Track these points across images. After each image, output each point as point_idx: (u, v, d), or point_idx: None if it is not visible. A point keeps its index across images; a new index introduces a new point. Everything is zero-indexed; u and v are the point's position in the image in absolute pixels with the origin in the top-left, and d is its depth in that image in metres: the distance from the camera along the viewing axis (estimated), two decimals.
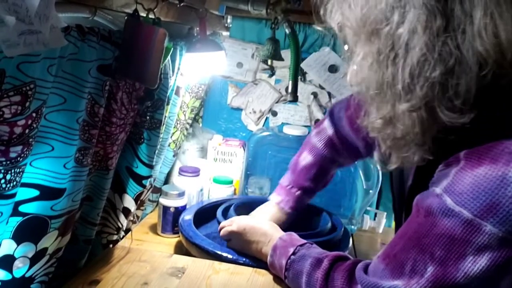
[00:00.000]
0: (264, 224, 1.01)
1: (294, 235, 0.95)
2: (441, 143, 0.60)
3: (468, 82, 0.53)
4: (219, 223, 1.11)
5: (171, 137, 1.27)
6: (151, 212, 1.36)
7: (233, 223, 1.02)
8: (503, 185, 0.54)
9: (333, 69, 1.47)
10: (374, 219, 1.41)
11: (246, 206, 1.21)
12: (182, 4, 0.99)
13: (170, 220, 1.20)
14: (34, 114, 0.65)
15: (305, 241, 0.91)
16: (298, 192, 1.10)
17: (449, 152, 0.60)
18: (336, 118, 1.06)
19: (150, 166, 1.08)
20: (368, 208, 1.41)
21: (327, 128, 1.08)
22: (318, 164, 1.08)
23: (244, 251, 1.01)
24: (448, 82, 0.54)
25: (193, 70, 1.16)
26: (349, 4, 0.58)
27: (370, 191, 1.37)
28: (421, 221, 0.61)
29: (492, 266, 0.55)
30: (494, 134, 0.56)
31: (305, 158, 1.09)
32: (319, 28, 0.66)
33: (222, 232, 1.04)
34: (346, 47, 0.63)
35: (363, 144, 1.02)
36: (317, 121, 1.51)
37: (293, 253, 0.87)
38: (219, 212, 1.15)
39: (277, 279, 0.94)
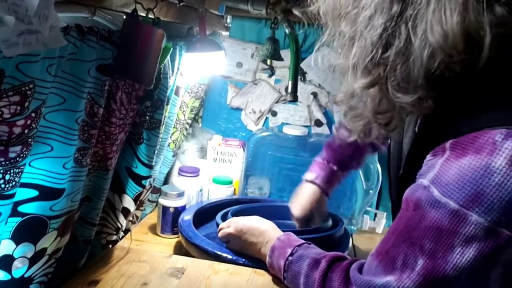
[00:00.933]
0: (261, 224, 1.01)
1: (292, 235, 0.94)
2: (428, 132, 0.63)
3: (418, 68, 0.56)
4: (218, 226, 1.11)
5: (170, 137, 1.26)
6: (151, 212, 1.36)
7: (231, 225, 1.02)
8: (487, 174, 0.54)
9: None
10: (374, 219, 1.41)
11: (245, 212, 1.21)
12: (181, 4, 0.99)
13: (170, 221, 1.19)
14: (33, 114, 0.65)
15: (303, 241, 0.91)
16: (335, 167, 1.09)
17: (437, 141, 0.61)
18: None
19: (150, 166, 1.08)
20: (368, 209, 1.41)
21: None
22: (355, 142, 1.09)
23: (243, 252, 1.01)
24: (398, 65, 0.57)
25: (193, 70, 1.16)
26: None
27: (370, 191, 1.37)
28: (410, 215, 0.61)
29: (480, 257, 0.56)
30: (478, 123, 0.57)
31: (342, 135, 1.07)
32: (297, 13, 0.72)
33: (220, 234, 1.04)
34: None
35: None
36: (317, 121, 1.51)
37: (291, 254, 0.87)
38: (218, 216, 1.15)
39: (276, 279, 0.94)
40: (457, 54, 0.54)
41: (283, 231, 0.98)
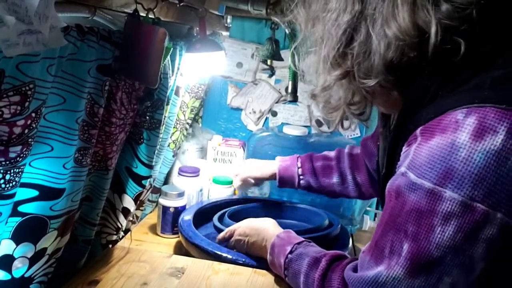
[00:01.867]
0: (262, 223, 1.01)
1: (292, 233, 0.95)
2: (401, 129, 0.68)
3: (377, 57, 0.64)
4: (215, 228, 1.11)
5: (170, 137, 1.27)
6: (151, 212, 1.36)
7: (236, 231, 1.03)
8: (453, 151, 0.57)
9: None
10: (374, 220, 1.41)
11: (242, 212, 1.21)
12: (181, 4, 0.99)
13: (170, 220, 1.19)
14: (33, 114, 0.65)
15: (302, 238, 0.91)
16: (299, 165, 1.17)
17: (409, 134, 0.65)
18: (369, 139, 1.11)
19: (150, 166, 1.08)
20: (368, 209, 1.41)
21: (359, 147, 1.15)
22: (333, 161, 1.16)
23: (250, 254, 1.01)
24: (361, 56, 0.65)
25: (193, 70, 1.16)
26: (303, 3, 0.72)
27: None
28: (393, 204, 0.63)
29: (460, 233, 0.57)
30: (442, 108, 0.61)
31: (329, 152, 1.19)
32: (275, 19, 0.78)
33: (228, 245, 1.05)
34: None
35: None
36: (317, 121, 1.51)
37: (290, 252, 0.87)
38: (215, 218, 1.15)
39: (276, 279, 0.94)
40: (409, 39, 0.61)
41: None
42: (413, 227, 0.60)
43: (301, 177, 1.17)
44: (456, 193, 0.57)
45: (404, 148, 0.65)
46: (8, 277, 0.73)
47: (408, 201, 0.61)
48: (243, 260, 1.00)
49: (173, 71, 1.05)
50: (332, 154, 1.18)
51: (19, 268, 0.75)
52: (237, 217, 1.15)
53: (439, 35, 0.60)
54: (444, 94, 0.63)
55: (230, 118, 1.57)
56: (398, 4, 0.62)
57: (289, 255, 0.87)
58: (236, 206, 1.24)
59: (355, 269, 0.71)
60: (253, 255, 1.01)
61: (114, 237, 1.09)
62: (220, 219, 1.16)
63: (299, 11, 0.73)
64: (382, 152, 0.81)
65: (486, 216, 0.56)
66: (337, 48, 0.67)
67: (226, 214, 1.16)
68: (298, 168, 1.17)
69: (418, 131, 0.63)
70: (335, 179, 1.15)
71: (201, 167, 1.35)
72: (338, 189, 1.15)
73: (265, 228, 0.99)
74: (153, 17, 0.90)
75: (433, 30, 0.60)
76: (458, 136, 0.57)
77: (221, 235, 1.07)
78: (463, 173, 0.56)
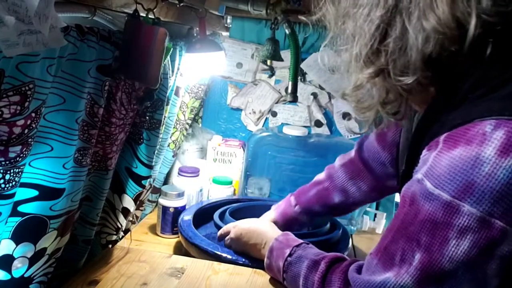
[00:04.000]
0: (260, 224, 1.01)
1: (290, 235, 0.94)
2: (425, 128, 0.66)
3: (415, 52, 0.60)
4: (216, 226, 1.11)
5: (170, 137, 1.27)
6: (151, 212, 1.36)
7: (231, 230, 1.03)
8: (477, 164, 0.55)
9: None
10: (374, 220, 1.41)
11: (243, 210, 1.21)
12: (181, 4, 0.99)
13: (170, 221, 1.20)
14: (33, 114, 0.65)
15: (301, 241, 0.90)
16: (294, 203, 1.08)
17: (433, 137, 0.62)
18: (364, 141, 1.05)
19: (150, 167, 1.08)
20: (368, 209, 1.41)
21: (351, 152, 1.07)
22: (326, 183, 1.07)
23: (246, 254, 1.01)
24: (396, 52, 0.62)
25: (193, 71, 1.16)
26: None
27: None
28: (407, 210, 0.62)
29: (475, 249, 0.56)
30: (469, 115, 0.58)
31: (320, 175, 1.09)
32: (303, 18, 0.76)
33: (225, 242, 1.04)
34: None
35: (389, 157, 1.00)
36: (317, 121, 1.51)
37: (290, 255, 0.87)
38: (215, 215, 1.15)
39: (276, 280, 0.94)
40: (449, 32, 0.58)
41: None
42: (427, 237, 0.59)
43: (300, 215, 1.08)
44: (475, 208, 0.55)
45: (424, 152, 0.63)
46: (8, 277, 0.74)
47: (422, 210, 0.59)
48: (243, 260, 1.00)
49: (173, 71, 1.05)
50: (322, 176, 1.09)
51: (19, 268, 0.75)
52: (238, 214, 1.15)
53: (478, 29, 0.57)
54: (474, 98, 0.60)
55: (230, 118, 1.57)
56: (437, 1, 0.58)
57: (288, 258, 0.86)
58: (238, 204, 1.24)
59: (359, 271, 0.71)
60: (246, 254, 1.00)
61: (114, 237, 1.09)
62: (221, 217, 1.16)
63: (328, 8, 0.70)
64: (404, 145, 0.78)
65: (503, 233, 0.55)
66: (370, 45, 0.64)
67: (227, 211, 1.16)
68: (295, 206, 1.08)
69: (441, 137, 0.60)
70: (336, 198, 1.05)
71: (201, 167, 1.35)
72: (347, 204, 1.07)
73: (264, 231, 0.98)
74: (153, 17, 0.90)
75: (472, 23, 0.57)
76: (483, 150, 0.55)
77: (219, 232, 1.07)
78: (484, 188, 0.54)
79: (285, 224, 1.08)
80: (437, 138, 0.61)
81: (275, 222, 1.07)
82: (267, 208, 1.16)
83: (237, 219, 1.10)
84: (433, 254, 0.58)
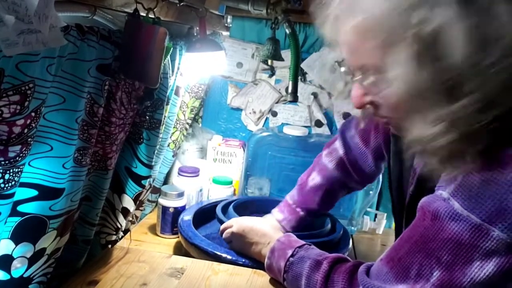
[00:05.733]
0: (263, 225, 1.01)
1: (292, 236, 0.94)
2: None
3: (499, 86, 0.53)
4: (219, 220, 1.10)
5: (170, 137, 1.26)
6: (150, 212, 1.36)
7: (234, 225, 1.02)
8: (511, 190, 0.53)
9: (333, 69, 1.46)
10: (374, 220, 1.41)
11: (247, 204, 1.20)
12: (182, 4, 0.99)
13: (169, 221, 1.19)
14: (33, 114, 0.65)
15: (303, 242, 0.90)
16: (302, 213, 1.06)
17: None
18: (348, 137, 1.04)
19: (149, 166, 1.08)
20: (368, 209, 1.41)
21: (339, 148, 1.04)
22: (326, 186, 1.05)
23: (244, 253, 1.01)
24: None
25: (193, 70, 1.16)
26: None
27: (370, 192, 1.36)
28: (427, 225, 0.60)
29: (498, 272, 0.55)
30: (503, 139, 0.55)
31: (314, 178, 1.06)
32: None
33: (224, 235, 1.04)
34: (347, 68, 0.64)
35: (373, 157, 1.00)
36: (317, 121, 1.51)
37: (292, 255, 0.87)
38: (218, 210, 1.15)
39: (275, 280, 0.94)
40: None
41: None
42: (449, 256, 0.58)
43: (306, 219, 1.06)
44: (505, 234, 0.54)
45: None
46: (7, 277, 0.73)
47: (447, 229, 0.58)
48: (243, 260, 1.00)
49: (173, 71, 1.05)
50: (318, 179, 1.05)
51: (18, 268, 0.75)
52: (242, 210, 1.15)
53: None
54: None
55: (230, 118, 1.57)
56: None
57: (291, 259, 0.86)
58: (243, 197, 1.24)
59: (367, 273, 0.70)
60: (246, 254, 1.00)
61: (114, 237, 1.09)
62: (224, 211, 1.15)
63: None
64: (398, 160, 0.77)
65: None
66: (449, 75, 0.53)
67: (232, 205, 1.16)
68: (301, 212, 1.06)
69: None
70: (341, 195, 1.08)
71: (201, 167, 1.35)
72: (349, 193, 1.09)
73: (266, 232, 0.98)
74: (153, 16, 0.90)
75: None
76: None
77: (222, 226, 1.06)
78: None
79: (292, 228, 1.06)
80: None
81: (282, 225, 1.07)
82: (274, 204, 1.16)
83: (240, 214, 1.10)
84: (454, 273, 0.57)
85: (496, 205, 0.54)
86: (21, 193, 0.72)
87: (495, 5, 0.51)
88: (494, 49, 0.51)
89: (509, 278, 0.56)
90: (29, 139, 0.66)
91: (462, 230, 0.56)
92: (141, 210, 1.26)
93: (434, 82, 0.54)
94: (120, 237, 1.11)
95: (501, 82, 0.52)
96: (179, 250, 1.13)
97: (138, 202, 1.11)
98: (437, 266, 0.58)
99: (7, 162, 0.64)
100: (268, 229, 0.99)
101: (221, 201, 1.28)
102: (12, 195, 0.68)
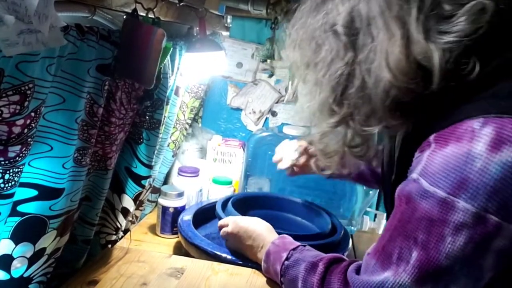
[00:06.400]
0: (258, 226, 1.00)
1: (287, 238, 0.93)
2: (413, 134, 0.66)
3: (376, 102, 0.63)
4: (218, 217, 1.11)
5: (170, 137, 1.26)
6: (150, 212, 1.36)
7: (230, 224, 1.02)
8: (469, 161, 0.56)
9: None
10: (374, 220, 1.41)
11: (246, 200, 1.21)
12: (181, 4, 0.99)
13: (169, 221, 1.19)
14: (33, 114, 0.65)
15: (298, 243, 0.90)
16: None
17: (422, 140, 0.63)
18: None
19: (149, 166, 1.08)
20: (368, 209, 1.41)
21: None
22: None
23: (240, 252, 1.01)
24: (359, 103, 0.65)
25: (193, 70, 1.16)
26: (293, 47, 0.72)
27: (370, 192, 1.36)
28: (403, 209, 0.62)
29: (471, 244, 0.57)
30: (457, 116, 0.59)
31: None
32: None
33: (221, 233, 1.04)
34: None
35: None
36: None
37: (287, 258, 0.86)
38: (218, 206, 1.15)
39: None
40: (408, 78, 0.60)
41: (279, 233, 0.98)
42: (423, 235, 0.59)
43: None
44: (469, 204, 0.56)
45: (417, 154, 0.64)
46: (7, 277, 0.73)
47: (419, 208, 0.60)
48: (243, 260, 1.00)
49: (172, 71, 1.05)
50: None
51: (18, 268, 0.75)
52: (241, 204, 1.15)
53: (444, 63, 0.59)
54: (459, 102, 0.61)
55: (230, 118, 1.57)
56: (391, 45, 0.60)
57: (286, 262, 0.86)
58: (242, 193, 1.24)
59: (357, 271, 0.70)
60: (243, 255, 1.00)
61: (114, 237, 1.09)
62: (223, 208, 1.15)
63: (291, 55, 0.73)
64: (388, 153, 0.79)
65: (498, 228, 0.55)
66: (333, 98, 0.67)
67: (230, 201, 1.16)
68: None
69: (432, 137, 0.61)
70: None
71: (201, 167, 1.35)
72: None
73: (261, 234, 0.97)
74: (153, 16, 0.90)
75: (435, 61, 0.59)
76: (474, 146, 0.56)
77: (219, 223, 1.07)
78: (478, 184, 0.55)
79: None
80: (427, 139, 0.62)
81: None
82: (272, 200, 1.16)
83: (241, 210, 1.09)
84: (430, 252, 0.59)
85: (457, 177, 0.56)
86: (21, 193, 0.72)
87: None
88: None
89: (482, 251, 0.57)
90: (29, 139, 0.66)
91: (432, 206, 0.58)
92: (141, 210, 1.26)
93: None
94: (120, 237, 1.11)
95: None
96: (179, 250, 1.13)
97: (138, 202, 1.11)
98: (414, 246, 0.60)
99: (7, 162, 0.64)
100: (261, 230, 0.98)
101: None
102: (12, 195, 0.68)
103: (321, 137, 0.74)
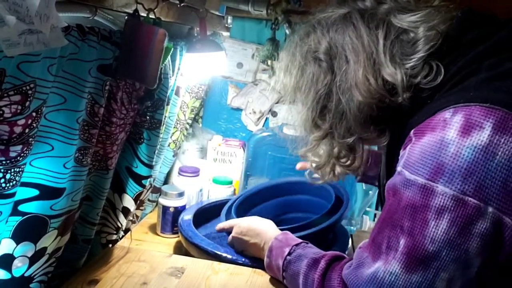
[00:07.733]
0: (259, 223, 1.01)
1: (289, 234, 0.95)
2: (396, 137, 0.73)
3: (351, 119, 0.72)
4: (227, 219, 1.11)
5: (171, 137, 1.27)
6: (151, 212, 1.36)
7: (233, 230, 1.03)
8: (443, 147, 0.60)
9: None
10: (374, 220, 1.41)
11: (248, 200, 1.21)
12: (182, 4, 0.99)
13: (170, 220, 1.20)
14: (34, 114, 0.65)
15: (300, 240, 0.91)
16: None
17: (405, 139, 0.68)
18: None
19: (150, 166, 1.08)
20: (368, 209, 1.41)
21: None
22: None
23: (247, 254, 1.01)
24: (336, 119, 0.74)
25: (193, 70, 1.16)
26: (284, 72, 0.81)
27: (370, 192, 1.37)
28: (391, 201, 0.66)
29: (453, 227, 0.59)
30: (431, 110, 0.65)
31: None
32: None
33: (228, 242, 1.05)
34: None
35: None
36: None
37: (289, 253, 0.87)
38: (222, 213, 1.15)
39: (275, 279, 0.94)
40: (378, 96, 0.69)
41: (281, 229, 0.98)
42: (409, 222, 0.62)
43: None
44: (447, 188, 0.59)
45: (401, 152, 0.68)
46: (8, 276, 0.74)
47: (403, 198, 0.63)
48: (243, 260, 1.00)
49: (173, 71, 1.05)
50: None
51: (19, 267, 0.75)
52: (245, 206, 1.16)
53: (408, 79, 0.68)
54: (433, 100, 0.67)
55: (230, 118, 1.57)
56: (359, 68, 0.69)
57: (288, 257, 0.87)
58: (241, 195, 1.23)
59: (351, 266, 0.72)
60: (249, 255, 1.01)
61: (114, 237, 1.09)
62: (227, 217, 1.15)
63: (282, 78, 0.81)
64: (384, 160, 0.82)
65: (477, 210, 0.58)
66: (316, 114, 0.76)
67: (233, 207, 1.16)
68: None
69: (411, 133, 0.66)
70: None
71: (201, 167, 1.35)
72: None
73: (264, 231, 0.98)
74: (153, 17, 0.90)
75: (399, 79, 0.67)
76: (446, 133, 0.60)
77: (221, 225, 1.07)
78: (453, 168, 0.58)
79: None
80: (408, 136, 0.67)
81: None
82: (271, 190, 1.15)
83: (245, 208, 1.09)
84: (416, 237, 0.61)
85: (434, 164, 0.60)
86: (22, 192, 0.73)
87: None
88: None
89: (466, 234, 0.58)
90: (30, 139, 0.67)
91: (414, 193, 0.61)
92: (142, 210, 1.26)
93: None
94: (120, 236, 1.12)
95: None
96: (179, 250, 1.13)
97: (138, 201, 1.11)
98: (401, 234, 0.62)
99: (8, 161, 0.64)
100: (265, 228, 0.99)
101: (221, 201, 1.28)
102: (13, 194, 0.68)
103: (309, 150, 0.82)
